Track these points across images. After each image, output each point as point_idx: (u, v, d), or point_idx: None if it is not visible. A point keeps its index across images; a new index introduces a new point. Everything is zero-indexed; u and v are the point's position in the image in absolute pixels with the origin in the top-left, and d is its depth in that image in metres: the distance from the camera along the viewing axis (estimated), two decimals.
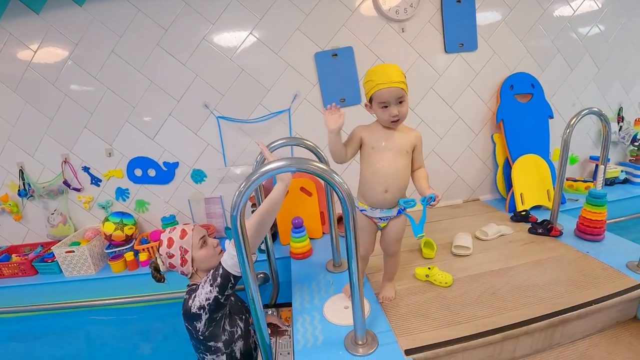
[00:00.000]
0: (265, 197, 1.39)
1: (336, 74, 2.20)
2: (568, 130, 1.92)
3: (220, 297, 1.28)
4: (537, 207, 2.40)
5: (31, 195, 2.45)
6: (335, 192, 1.06)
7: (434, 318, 1.39)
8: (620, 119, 2.92)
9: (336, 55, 2.23)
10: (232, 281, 1.28)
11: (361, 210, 1.38)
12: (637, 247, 1.80)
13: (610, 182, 2.87)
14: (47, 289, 2.26)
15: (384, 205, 1.34)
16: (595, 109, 1.93)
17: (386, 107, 1.24)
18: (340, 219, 2.03)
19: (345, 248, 1.10)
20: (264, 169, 1.04)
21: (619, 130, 2.95)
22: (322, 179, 1.07)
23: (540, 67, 2.54)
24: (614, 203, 2.60)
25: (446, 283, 1.58)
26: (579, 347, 1.44)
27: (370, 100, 1.27)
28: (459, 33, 2.32)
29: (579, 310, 1.40)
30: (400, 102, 1.24)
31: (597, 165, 2.93)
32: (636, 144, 2.98)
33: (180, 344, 1.89)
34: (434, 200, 1.22)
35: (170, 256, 1.39)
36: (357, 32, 2.24)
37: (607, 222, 2.41)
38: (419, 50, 2.34)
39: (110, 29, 2.14)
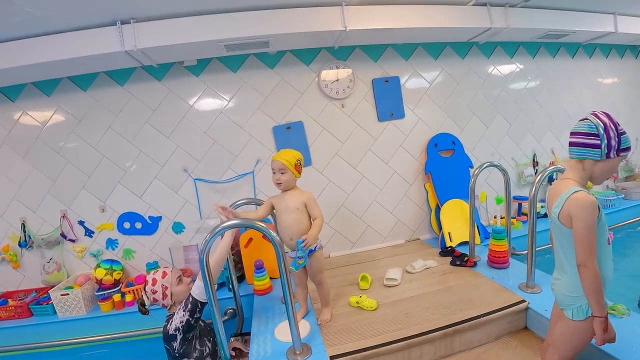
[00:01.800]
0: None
1: (290, 142, 2.74)
2: (472, 180, 2.43)
3: (191, 319, 1.69)
4: (465, 243, 2.83)
5: (30, 246, 2.77)
6: (271, 241, 1.53)
7: (357, 333, 1.81)
8: (535, 163, 3.52)
9: (290, 127, 2.80)
10: (199, 306, 1.71)
11: (286, 252, 1.85)
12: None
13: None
14: (41, 329, 2.52)
15: (295, 248, 1.82)
16: (495, 162, 2.47)
17: (274, 172, 1.83)
18: None
19: (280, 280, 1.56)
20: (223, 225, 1.52)
21: (535, 172, 3.54)
22: (263, 233, 1.54)
23: (459, 127, 3.15)
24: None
25: (371, 307, 2.01)
26: (474, 353, 1.86)
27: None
28: (388, 105, 2.94)
29: (469, 322, 1.83)
30: (282, 173, 1.82)
31: (520, 204, 3.48)
32: (552, 183, 3.57)
33: None
34: (302, 243, 1.72)
35: (154, 292, 1.80)
36: (306, 109, 2.83)
37: (523, 252, 2.89)
38: (357, 121, 2.93)
39: (108, 109, 2.65)
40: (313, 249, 1.81)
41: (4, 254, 2.79)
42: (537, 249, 2.99)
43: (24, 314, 2.58)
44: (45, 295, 2.67)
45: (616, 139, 1.25)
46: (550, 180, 3.55)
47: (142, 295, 1.85)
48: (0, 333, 2.52)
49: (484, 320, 1.86)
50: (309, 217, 1.87)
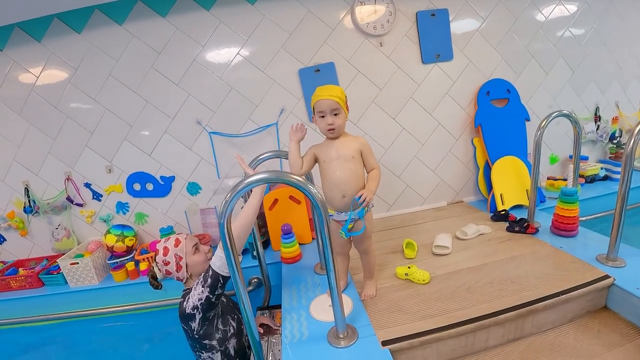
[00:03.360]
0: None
1: None
2: (539, 132, 2.05)
3: (211, 296, 1.41)
4: (518, 207, 2.50)
5: (36, 212, 2.57)
6: (311, 200, 1.19)
7: (410, 312, 1.51)
8: (597, 118, 3.04)
9: (319, 70, 2.38)
10: (221, 281, 1.42)
11: (330, 216, 1.51)
12: (607, 240, 1.90)
13: (590, 180, 2.97)
14: (53, 299, 2.36)
15: (346, 208, 1.49)
16: (565, 112, 2.09)
17: (323, 116, 1.45)
18: None
19: (321, 249, 1.23)
20: (247, 181, 1.17)
21: (597, 129, 3.07)
22: (299, 189, 1.19)
23: (515, 73, 2.67)
24: (595, 199, 2.71)
25: (424, 280, 1.70)
26: (548, 337, 1.54)
27: (314, 111, 1.47)
28: (434, 44, 2.47)
29: (545, 302, 1.51)
30: (336, 115, 1.44)
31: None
32: (615, 141, 3.11)
33: (179, 346, 2.01)
34: (359, 200, 1.39)
35: (166, 263, 1.52)
36: (337, 48, 2.39)
37: (588, 218, 2.53)
38: (398, 63, 2.48)
39: (107, 53, 2.29)
40: (364, 211, 1.47)
41: (10, 221, 2.61)
42: (601, 214, 2.74)
43: (34, 284, 2.43)
44: (55, 264, 2.48)
45: None
46: (612, 138, 3.10)
47: (152, 267, 1.57)
48: (12, 303, 2.38)
49: (564, 298, 1.53)
50: (363, 169, 1.52)
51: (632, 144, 1.56)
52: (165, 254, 1.51)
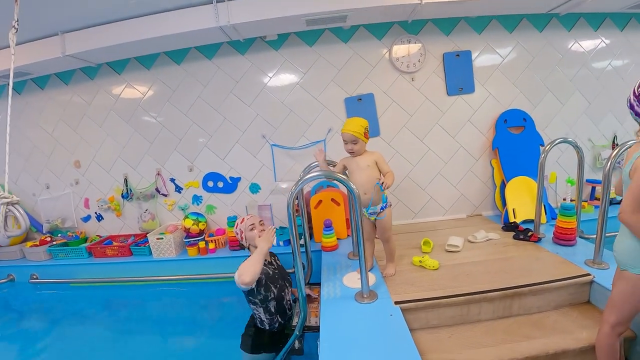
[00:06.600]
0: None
1: (360, 114, 2.82)
2: (543, 155, 2.41)
3: None
4: (530, 221, 2.77)
5: (130, 198, 3.30)
6: (350, 192, 1.72)
7: (419, 286, 1.98)
8: (615, 145, 3.30)
9: (361, 99, 2.94)
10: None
11: None
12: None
13: (609, 202, 3.22)
14: (139, 266, 3.03)
15: (367, 203, 2.00)
16: (570, 139, 2.42)
17: (346, 143, 2.02)
18: None
19: (354, 230, 1.75)
20: (306, 177, 1.73)
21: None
22: (342, 184, 1.74)
23: (532, 104, 3.05)
24: (610, 219, 2.97)
25: (433, 267, 2.15)
26: (532, 317, 1.91)
27: None
28: (458, 80, 2.94)
29: (529, 287, 1.89)
30: (354, 143, 2.00)
31: (593, 188, 3.33)
32: None
33: (235, 308, 2.61)
34: (379, 183, 1.92)
35: (236, 233, 2.12)
36: (377, 81, 2.94)
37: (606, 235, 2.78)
38: (426, 94, 2.98)
39: (198, 80, 3.00)
40: (384, 206, 1.97)
41: (110, 204, 3.34)
42: (607, 234, 2.98)
43: (125, 253, 3.11)
44: (142, 239, 3.16)
45: (637, 102, 1.34)
46: None
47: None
48: (107, 267, 3.08)
49: (545, 287, 1.90)
50: (379, 174, 2.04)
51: (610, 167, 1.96)
52: (236, 227, 2.12)
